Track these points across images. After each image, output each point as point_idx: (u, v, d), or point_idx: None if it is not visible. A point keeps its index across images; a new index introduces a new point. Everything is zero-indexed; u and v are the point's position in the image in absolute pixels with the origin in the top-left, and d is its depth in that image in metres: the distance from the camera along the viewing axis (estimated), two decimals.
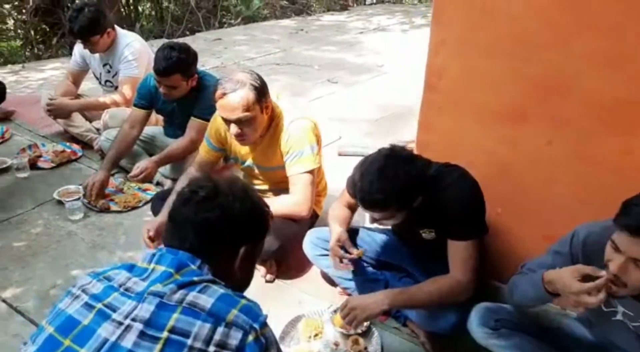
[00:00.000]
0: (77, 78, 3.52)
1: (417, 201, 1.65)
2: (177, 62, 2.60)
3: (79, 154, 3.30)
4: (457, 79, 1.99)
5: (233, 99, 1.98)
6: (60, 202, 2.72)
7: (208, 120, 2.77)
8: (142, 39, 3.40)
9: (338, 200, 2.10)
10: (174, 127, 3.00)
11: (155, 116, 3.38)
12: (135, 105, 2.93)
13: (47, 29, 7.24)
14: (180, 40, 6.98)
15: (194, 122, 2.78)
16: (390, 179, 1.56)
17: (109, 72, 3.38)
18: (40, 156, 3.23)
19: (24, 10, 6.68)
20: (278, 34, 7.09)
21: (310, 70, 5.40)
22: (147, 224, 2.19)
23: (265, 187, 2.42)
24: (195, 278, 0.99)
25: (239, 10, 8.19)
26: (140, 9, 9.02)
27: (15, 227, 2.54)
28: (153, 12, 9.28)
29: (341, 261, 1.92)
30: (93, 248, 2.40)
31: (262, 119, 2.08)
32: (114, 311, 0.96)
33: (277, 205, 2.16)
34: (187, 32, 7.32)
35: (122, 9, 7.88)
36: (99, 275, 1.04)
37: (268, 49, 6.16)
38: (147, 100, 2.91)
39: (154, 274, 1.00)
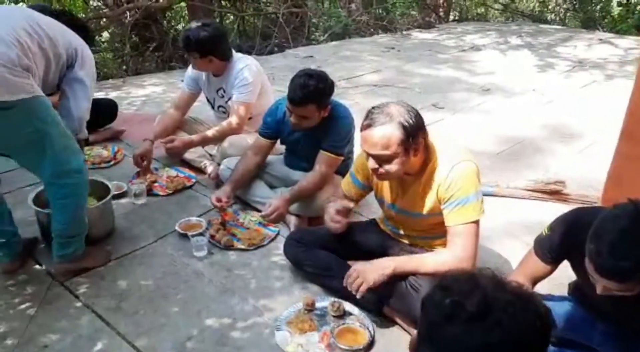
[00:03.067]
0: (187, 102, 3.38)
1: None
2: (314, 92, 2.44)
3: (193, 180, 3.17)
4: None
5: (375, 133, 1.81)
6: (181, 235, 2.58)
7: (339, 154, 2.60)
8: (257, 62, 3.25)
9: (517, 270, 1.81)
10: (298, 158, 2.83)
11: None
12: (260, 134, 2.79)
13: (138, 42, 7.37)
14: (270, 57, 6.92)
15: (324, 156, 2.59)
16: None
17: (222, 97, 3.25)
18: (155, 181, 3.12)
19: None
20: (370, 52, 6.87)
21: (412, 93, 5.13)
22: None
23: (407, 233, 2.19)
24: None
25: (327, 27, 8.04)
26: (223, 24, 9.10)
27: (141, 261, 2.41)
28: (235, 27, 9.35)
29: None
30: (224, 292, 2.22)
31: (406, 160, 1.86)
32: None
33: (436, 262, 1.94)
34: (276, 49, 7.22)
35: None
36: None
37: (363, 69, 5.95)
38: (273, 130, 2.77)
39: None
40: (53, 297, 2.15)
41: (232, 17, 9.38)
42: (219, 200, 2.63)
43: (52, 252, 2.20)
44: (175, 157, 3.26)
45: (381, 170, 1.87)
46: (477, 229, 1.90)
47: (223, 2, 8.90)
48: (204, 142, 3.19)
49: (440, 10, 10.79)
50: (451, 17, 11.05)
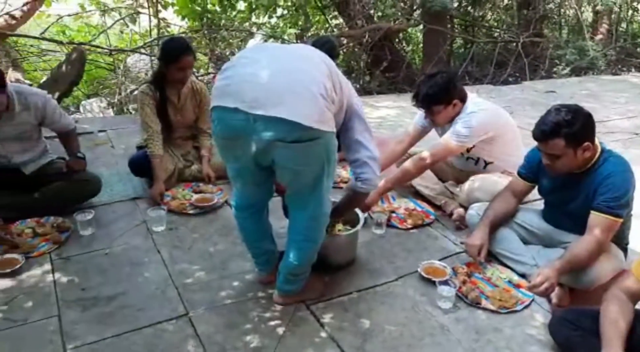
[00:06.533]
0: (415, 137, 3.20)
1: None
2: (558, 125, 2.15)
3: (432, 217, 3.01)
4: None
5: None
6: (423, 279, 2.42)
7: (618, 216, 2.18)
8: (497, 111, 2.94)
9: None
10: (560, 213, 2.47)
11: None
12: (518, 173, 2.58)
13: (370, 62, 7.55)
14: (504, 87, 6.51)
15: (599, 218, 2.20)
16: None
17: None
18: (392, 212, 3.04)
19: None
20: (625, 93, 6.03)
21: None
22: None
23: None
24: None
25: (570, 59, 7.32)
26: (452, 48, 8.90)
27: (382, 300, 2.30)
28: (464, 52, 9.09)
29: None
30: None
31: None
32: None
33: None
34: (510, 79, 6.79)
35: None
36: None
37: (616, 111, 5.22)
38: (533, 172, 2.50)
39: None
40: (300, 320, 2.15)
41: (460, 41, 9.17)
42: (474, 246, 2.46)
43: (277, 284, 2.22)
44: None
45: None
46: None
47: (455, 27, 8.71)
48: (399, 181, 2.94)
49: None
50: None
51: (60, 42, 6.63)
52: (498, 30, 8.79)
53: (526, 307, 2.27)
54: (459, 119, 2.83)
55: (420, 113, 3.17)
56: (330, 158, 1.91)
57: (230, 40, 7.40)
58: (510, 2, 9.15)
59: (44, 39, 6.71)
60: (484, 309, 2.25)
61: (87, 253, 2.61)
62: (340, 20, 8.10)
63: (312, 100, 1.76)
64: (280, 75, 1.78)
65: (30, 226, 2.78)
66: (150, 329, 2.08)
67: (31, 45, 7.18)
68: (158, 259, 2.57)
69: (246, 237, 2.29)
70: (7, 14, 5.53)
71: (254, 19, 8.13)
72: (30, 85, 5.11)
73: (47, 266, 2.48)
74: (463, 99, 2.87)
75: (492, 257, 2.59)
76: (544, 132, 2.18)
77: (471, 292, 2.31)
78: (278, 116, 1.71)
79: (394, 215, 3.01)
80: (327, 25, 8.25)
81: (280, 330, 2.09)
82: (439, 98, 2.80)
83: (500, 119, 2.92)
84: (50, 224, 2.80)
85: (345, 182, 3.40)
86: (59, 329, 2.07)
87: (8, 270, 2.41)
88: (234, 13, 7.97)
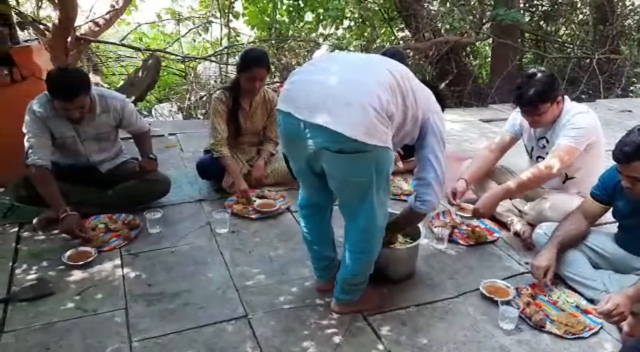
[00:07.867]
0: (504, 146, 3.11)
1: None
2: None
3: (497, 235, 2.93)
4: None
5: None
6: (485, 297, 2.35)
7: None
8: (595, 114, 2.81)
9: None
10: (634, 238, 2.35)
11: None
12: (592, 194, 2.45)
13: (435, 75, 7.48)
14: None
15: None
16: None
17: (543, 147, 2.91)
18: (455, 227, 2.98)
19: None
20: None
21: None
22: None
23: None
24: None
25: None
26: (521, 63, 8.65)
27: (441, 316, 2.25)
28: (534, 67, 8.82)
29: None
30: None
31: None
32: None
33: None
34: (583, 97, 6.52)
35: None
36: None
37: None
38: (608, 194, 2.38)
39: None
40: (357, 331, 2.15)
41: (530, 56, 8.91)
42: (540, 268, 2.35)
43: (334, 293, 2.23)
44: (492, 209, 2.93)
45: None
46: None
47: (525, 41, 8.47)
48: (520, 188, 2.82)
49: None
50: None
51: (138, 49, 6.99)
52: (571, 45, 8.47)
53: (594, 334, 2.16)
54: (566, 121, 2.72)
55: (510, 121, 3.10)
56: (381, 172, 1.88)
57: (297, 50, 7.53)
58: (585, 17, 8.82)
59: (123, 45, 7.08)
60: (549, 333, 2.16)
61: (154, 250, 2.72)
62: (407, 32, 8.07)
63: (361, 112, 1.73)
64: (337, 85, 1.80)
65: (104, 221, 2.93)
66: (211, 328, 2.13)
67: (110, 51, 7.61)
68: (220, 260, 2.64)
69: (306, 238, 2.31)
70: (91, 21, 5.88)
71: (320, 30, 8.25)
72: (109, 88, 5.40)
73: (117, 261, 2.61)
74: (563, 95, 2.78)
75: (560, 280, 2.49)
76: (626, 153, 2.07)
77: (535, 314, 2.22)
78: (322, 124, 1.73)
79: (456, 231, 2.95)
80: (392, 38, 8.24)
81: (337, 339, 2.09)
82: (547, 95, 2.67)
83: (599, 127, 2.80)
84: (121, 221, 2.94)
85: (407, 195, 3.38)
86: (125, 322, 2.16)
87: (81, 262, 2.55)
88: (301, 24, 8.12)
